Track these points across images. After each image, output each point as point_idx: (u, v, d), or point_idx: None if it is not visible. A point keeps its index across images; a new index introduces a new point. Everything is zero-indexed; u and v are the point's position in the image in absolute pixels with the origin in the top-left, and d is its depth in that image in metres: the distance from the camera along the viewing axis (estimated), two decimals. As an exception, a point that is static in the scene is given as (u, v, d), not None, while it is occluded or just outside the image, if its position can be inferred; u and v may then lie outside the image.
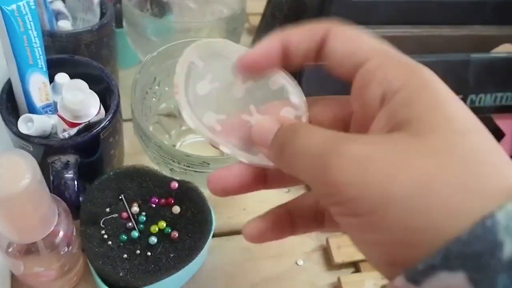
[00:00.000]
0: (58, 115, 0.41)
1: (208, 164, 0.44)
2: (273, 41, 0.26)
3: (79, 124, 0.41)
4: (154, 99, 0.51)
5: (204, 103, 0.28)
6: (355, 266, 0.51)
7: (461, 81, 0.52)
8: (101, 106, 0.43)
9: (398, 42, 0.56)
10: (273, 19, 0.59)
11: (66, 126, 0.41)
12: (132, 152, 0.54)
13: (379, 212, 0.19)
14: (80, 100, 0.39)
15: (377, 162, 0.19)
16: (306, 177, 0.22)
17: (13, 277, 0.43)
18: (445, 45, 0.51)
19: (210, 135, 0.28)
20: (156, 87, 0.51)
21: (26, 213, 0.34)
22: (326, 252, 0.52)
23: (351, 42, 0.24)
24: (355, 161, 0.19)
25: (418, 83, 0.21)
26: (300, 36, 0.25)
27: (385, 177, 0.19)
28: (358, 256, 0.50)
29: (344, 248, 0.51)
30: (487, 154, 0.19)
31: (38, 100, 0.43)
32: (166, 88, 0.52)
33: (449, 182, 0.18)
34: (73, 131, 0.42)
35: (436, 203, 0.18)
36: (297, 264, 0.51)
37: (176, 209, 0.43)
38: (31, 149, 0.42)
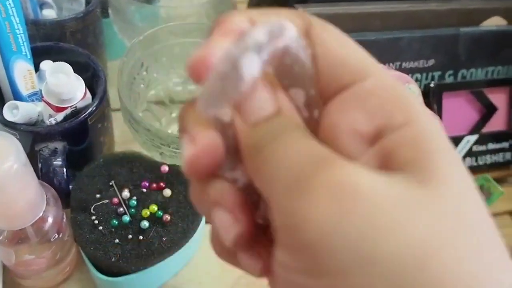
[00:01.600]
0: (43, 100, 0.40)
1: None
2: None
3: (65, 108, 0.40)
4: (142, 85, 0.51)
5: None
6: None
7: (452, 56, 0.52)
8: (87, 91, 0.42)
9: (385, 18, 0.56)
10: (260, 3, 0.58)
11: (52, 111, 0.41)
12: (122, 141, 0.53)
13: (352, 276, 0.14)
14: (64, 83, 0.39)
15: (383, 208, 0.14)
16: (273, 195, 0.16)
17: (5, 270, 0.43)
18: (433, 19, 0.51)
19: None
20: (144, 73, 0.50)
21: (11, 197, 0.34)
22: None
23: (343, 47, 0.19)
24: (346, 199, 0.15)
25: (423, 123, 0.17)
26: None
27: (388, 229, 0.14)
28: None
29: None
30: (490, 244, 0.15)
31: (24, 88, 0.43)
32: (155, 75, 0.51)
33: (461, 253, 0.14)
34: (60, 117, 0.42)
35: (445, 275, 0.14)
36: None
37: (167, 192, 0.43)
38: (18, 137, 0.41)
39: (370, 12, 0.52)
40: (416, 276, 0.13)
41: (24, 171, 0.33)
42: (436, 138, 0.16)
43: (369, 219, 0.14)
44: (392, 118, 0.17)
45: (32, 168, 0.35)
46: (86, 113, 0.42)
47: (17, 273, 0.42)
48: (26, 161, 0.34)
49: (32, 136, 0.41)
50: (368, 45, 0.21)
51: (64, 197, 0.41)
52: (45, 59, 0.45)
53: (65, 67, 0.39)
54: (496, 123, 0.54)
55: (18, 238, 0.38)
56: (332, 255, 0.14)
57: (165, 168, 0.43)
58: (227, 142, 0.18)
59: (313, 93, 0.19)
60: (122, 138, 0.53)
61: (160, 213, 0.41)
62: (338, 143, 0.18)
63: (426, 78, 0.51)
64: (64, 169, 0.42)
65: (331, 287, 0.14)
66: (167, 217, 0.41)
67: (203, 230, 0.44)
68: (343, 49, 0.19)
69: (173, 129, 0.52)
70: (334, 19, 0.51)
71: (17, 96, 0.43)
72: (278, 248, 0.16)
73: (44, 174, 0.41)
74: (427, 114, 0.17)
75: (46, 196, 0.38)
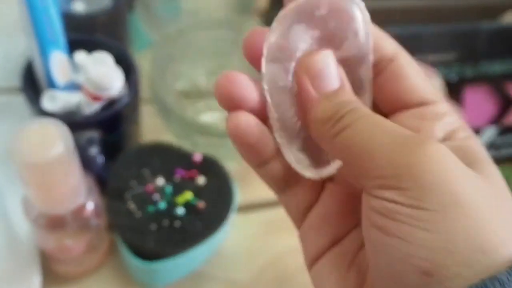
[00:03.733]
0: (83, 89, 0.41)
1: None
2: None
3: (103, 97, 0.41)
4: (170, 78, 0.52)
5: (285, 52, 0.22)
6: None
7: (471, 50, 0.53)
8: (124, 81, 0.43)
9: (405, 14, 0.57)
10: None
11: (90, 100, 0.41)
12: (150, 131, 0.54)
13: (450, 212, 0.18)
14: (104, 73, 0.39)
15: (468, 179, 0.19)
16: (375, 154, 0.19)
17: (43, 256, 0.44)
18: (452, 15, 0.52)
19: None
20: (171, 66, 0.51)
21: (56, 182, 0.35)
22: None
23: (419, 77, 0.23)
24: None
25: (476, 140, 0.22)
26: (375, 32, 0.23)
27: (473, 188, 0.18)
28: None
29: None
30: None
31: (60, 78, 0.44)
32: (181, 67, 0.52)
33: None
34: (97, 106, 0.43)
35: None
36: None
37: (201, 180, 0.44)
38: (55, 126, 0.42)
39: (391, 7, 0.53)
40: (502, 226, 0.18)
41: (70, 157, 0.34)
42: (482, 149, 0.22)
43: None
44: (457, 133, 0.22)
45: (76, 156, 0.36)
46: (121, 104, 0.43)
47: (54, 258, 0.43)
48: (73, 148, 0.34)
49: (69, 125, 0.42)
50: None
51: (100, 185, 0.42)
52: (80, 50, 0.46)
53: (106, 58, 0.40)
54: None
55: (58, 223, 0.39)
56: (439, 193, 0.18)
57: (197, 157, 0.44)
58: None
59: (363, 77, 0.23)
60: (150, 129, 0.54)
61: (195, 200, 0.42)
62: None
63: (447, 71, 0.52)
64: (100, 158, 0.43)
65: (430, 217, 0.18)
66: (201, 203, 0.42)
67: (232, 219, 0.45)
68: (418, 76, 0.23)
69: (201, 119, 0.53)
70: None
71: (52, 86, 0.44)
72: (383, 190, 0.19)
73: (81, 162, 0.42)
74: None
75: (87, 184, 0.39)
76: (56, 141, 0.33)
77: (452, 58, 0.53)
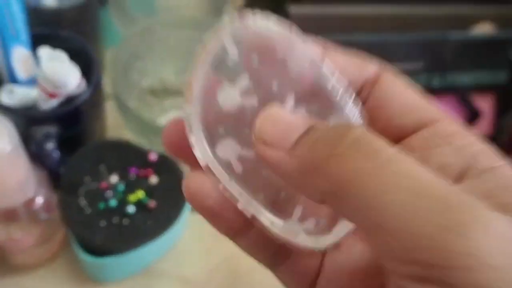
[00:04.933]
0: (39, 86, 0.42)
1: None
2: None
3: (58, 94, 0.42)
4: (136, 75, 0.52)
5: (225, 122, 0.18)
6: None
7: (439, 60, 0.53)
8: (83, 78, 0.44)
9: (375, 20, 0.57)
10: (254, 2, 0.60)
11: (46, 97, 0.42)
12: (114, 128, 0.55)
13: None
14: (59, 70, 0.40)
15: None
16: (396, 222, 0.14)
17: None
18: (422, 24, 0.52)
19: (224, 178, 0.18)
20: (139, 62, 0.52)
21: (2, 176, 0.35)
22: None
23: (411, 94, 0.19)
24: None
25: (508, 170, 0.17)
26: (347, 61, 0.19)
27: None
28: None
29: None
30: None
31: (22, 73, 0.44)
32: (149, 65, 0.53)
33: None
34: (55, 102, 0.43)
35: None
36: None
37: (154, 180, 0.44)
38: (13, 120, 0.43)
39: (361, 14, 0.53)
40: None
41: (16, 153, 0.35)
42: None
43: None
44: (477, 160, 0.17)
45: (23, 151, 0.37)
46: (79, 100, 0.44)
47: (6, 248, 0.44)
48: (18, 143, 0.35)
49: (26, 119, 0.43)
50: (357, 46, 0.23)
51: (55, 179, 0.43)
52: (43, 45, 0.47)
53: (61, 55, 0.40)
54: (481, 128, 0.56)
55: (9, 216, 0.40)
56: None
57: (153, 156, 0.45)
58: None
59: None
60: (114, 124, 0.55)
61: (146, 199, 0.43)
62: None
63: (414, 81, 0.52)
64: (56, 152, 0.43)
65: None
66: (152, 202, 0.43)
67: (187, 216, 0.46)
68: (409, 93, 0.19)
69: (165, 118, 0.54)
70: (325, 20, 0.53)
71: (14, 81, 0.45)
72: (421, 285, 0.13)
73: (36, 156, 0.43)
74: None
75: (38, 178, 0.40)
76: (1, 138, 0.34)
77: (419, 67, 0.53)
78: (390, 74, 0.19)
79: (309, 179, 0.16)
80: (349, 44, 0.20)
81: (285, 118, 0.17)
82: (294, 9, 0.51)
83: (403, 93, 0.19)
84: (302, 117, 0.17)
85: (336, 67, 0.18)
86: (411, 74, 0.53)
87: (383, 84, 0.19)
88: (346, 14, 0.52)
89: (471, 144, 0.17)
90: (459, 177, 0.17)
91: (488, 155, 0.17)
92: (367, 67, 0.19)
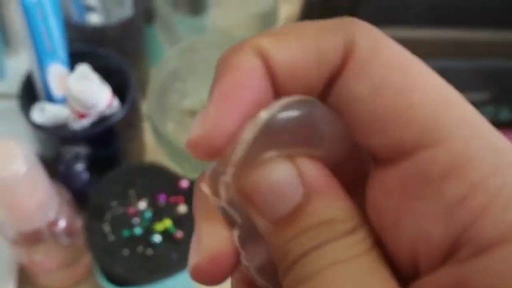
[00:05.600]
0: (68, 105, 0.40)
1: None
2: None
3: (86, 115, 0.40)
4: (176, 96, 0.50)
5: None
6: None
7: (507, 90, 0.47)
8: (116, 98, 0.42)
9: (434, 46, 0.52)
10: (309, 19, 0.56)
11: (76, 117, 0.41)
12: (154, 149, 0.53)
13: None
14: (85, 89, 0.39)
15: None
16: None
17: (21, 267, 0.43)
18: (489, 50, 0.46)
19: None
20: (179, 83, 0.50)
21: (20, 198, 0.34)
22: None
23: (402, 75, 0.12)
24: None
25: None
26: (297, 51, 0.13)
27: None
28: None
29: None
30: None
31: (57, 90, 0.44)
32: (190, 85, 0.51)
33: None
34: (87, 122, 0.42)
35: None
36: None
37: (183, 209, 0.42)
38: (43, 138, 0.42)
39: (418, 38, 0.49)
40: None
41: (32, 174, 0.34)
42: None
43: None
44: (481, 230, 0.11)
45: (43, 172, 0.35)
46: (112, 120, 0.42)
47: (31, 271, 0.42)
48: (35, 164, 0.34)
49: (57, 138, 0.42)
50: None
51: (82, 201, 0.42)
52: (82, 63, 0.46)
53: (89, 73, 0.39)
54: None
55: (31, 238, 0.38)
56: None
57: (184, 183, 0.42)
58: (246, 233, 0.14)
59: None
60: (154, 146, 0.53)
61: (173, 229, 0.41)
62: (395, 245, 0.12)
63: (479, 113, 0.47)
64: (84, 174, 0.42)
65: None
66: (179, 234, 0.40)
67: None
68: (411, 87, 0.12)
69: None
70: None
71: (49, 98, 0.44)
72: None
73: (64, 176, 0.42)
74: None
75: (61, 200, 0.38)
76: (16, 159, 0.32)
77: (485, 98, 0.48)
78: (368, 38, 0.12)
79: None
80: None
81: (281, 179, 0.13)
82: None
83: (389, 86, 0.12)
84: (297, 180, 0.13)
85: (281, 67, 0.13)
86: (476, 106, 0.48)
87: (354, 68, 0.12)
88: (402, 38, 0.48)
89: (475, 193, 0.11)
90: (453, 249, 0.11)
91: (501, 224, 0.11)
92: (328, 41, 0.13)
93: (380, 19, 0.52)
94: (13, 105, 0.56)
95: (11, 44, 0.59)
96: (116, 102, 0.42)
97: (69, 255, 0.41)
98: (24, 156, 0.32)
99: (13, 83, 0.58)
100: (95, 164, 0.43)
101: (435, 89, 0.12)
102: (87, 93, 0.38)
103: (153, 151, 0.53)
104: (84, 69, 0.39)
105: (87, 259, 0.44)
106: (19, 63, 0.59)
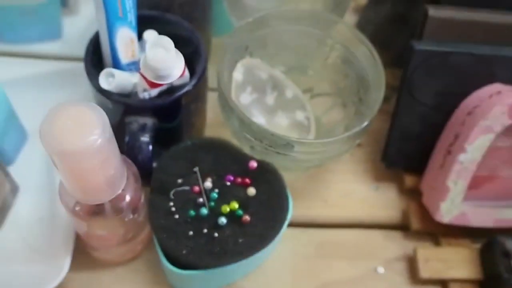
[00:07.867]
0: (140, 73, 0.38)
1: (293, 146, 0.39)
2: None
3: (160, 85, 0.38)
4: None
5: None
6: (443, 285, 0.45)
7: None
8: (186, 69, 0.40)
9: (489, 30, 0.47)
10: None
11: (146, 86, 0.38)
12: (215, 124, 0.51)
13: None
14: (162, 59, 0.36)
15: None
16: None
17: (77, 237, 0.42)
18: None
19: None
20: (248, 57, 0.47)
21: (92, 171, 0.32)
22: (411, 263, 0.46)
23: None
24: None
25: None
26: None
27: None
28: (448, 274, 0.44)
29: (433, 262, 0.44)
30: None
31: (124, 56, 0.41)
32: (259, 59, 0.48)
33: None
34: (154, 92, 0.40)
35: None
36: (376, 271, 0.45)
37: (252, 191, 0.39)
38: (110, 107, 0.40)
39: (503, 23, 0.45)
40: None
41: (107, 147, 0.31)
42: None
43: None
44: None
45: (116, 144, 0.33)
46: (181, 92, 0.40)
47: (87, 243, 0.41)
48: (111, 136, 0.31)
49: (123, 107, 0.40)
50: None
51: (146, 175, 0.40)
52: (149, 29, 0.43)
53: (166, 42, 0.36)
54: None
55: (94, 212, 0.36)
56: None
57: (253, 164, 0.40)
58: None
59: None
60: (214, 121, 0.51)
61: (240, 211, 0.38)
62: None
63: None
64: (150, 147, 0.40)
65: None
66: (246, 217, 0.38)
67: (281, 236, 0.40)
68: None
69: (270, 120, 0.49)
70: (467, 27, 0.45)
71: (116, 63, 0.41)
72: None
73: (129, 148, 0.39)
74: None
75: (127, 174, 0.36)
76: (93, 129, 0.30)
77: None
78: None
79: None
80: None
81: None
82: (433, 11, 0.44)
83: None
84: None
85: None
86: None
87: None
88: (491, 22, 0.44)
89: None
90: None
91: None
92: None
93: (461, 2, 0.48)
94: (69, 66, 0.54)
95: (69, 3, 0.57)
96: (187, 73, 0.40)
97: (130, 231, 0.40)
98: (103, 126, 0.30)
99: (69, 44, 0.56)
100: (157, 137, 0.41)
101: None
102: (163, 62, 0.36)
103: (213, 127, 0.51)
104: (161, 37, 0.36)
105: (143, 235, 0.43)
106: (76, 23, 0.57)
